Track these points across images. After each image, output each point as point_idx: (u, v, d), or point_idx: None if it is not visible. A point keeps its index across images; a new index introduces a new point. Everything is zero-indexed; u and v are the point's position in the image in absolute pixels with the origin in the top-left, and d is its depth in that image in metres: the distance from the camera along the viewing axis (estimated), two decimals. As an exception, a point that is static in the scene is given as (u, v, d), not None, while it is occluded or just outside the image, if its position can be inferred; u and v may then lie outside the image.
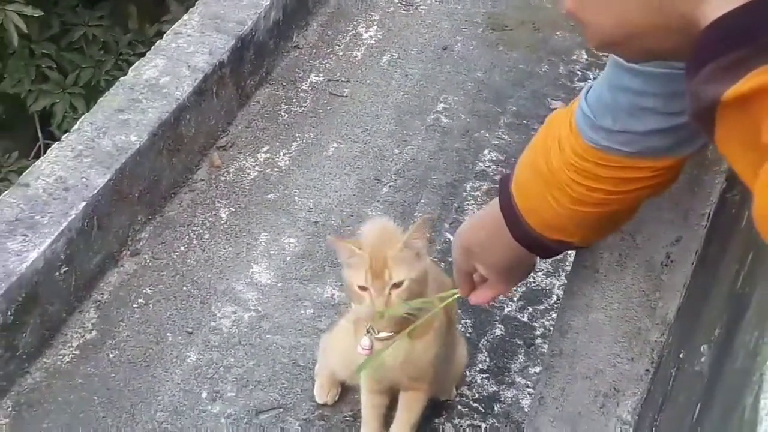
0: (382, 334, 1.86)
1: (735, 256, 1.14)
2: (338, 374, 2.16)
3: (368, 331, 1.88)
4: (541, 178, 1.21)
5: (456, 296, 1.60)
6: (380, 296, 1.77)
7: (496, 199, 1.32)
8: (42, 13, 3.45)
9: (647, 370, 1.60)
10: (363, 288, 1.79)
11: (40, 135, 3.72)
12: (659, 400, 1.43)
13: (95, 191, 2.40)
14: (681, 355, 1.34)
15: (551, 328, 2.21)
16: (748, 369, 0.76)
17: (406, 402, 2.04)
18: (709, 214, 1.55)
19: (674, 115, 1.06)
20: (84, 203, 2.36)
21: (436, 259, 2.57)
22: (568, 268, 2.02)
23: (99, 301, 2.44)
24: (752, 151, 0.79)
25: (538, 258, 1.41)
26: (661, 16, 0.84)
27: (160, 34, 2.99)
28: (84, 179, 2.42)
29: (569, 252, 1.78)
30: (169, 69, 2.80)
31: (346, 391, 2.22)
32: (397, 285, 1.78)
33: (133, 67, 2.83)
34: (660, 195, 1.22)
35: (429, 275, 1.86)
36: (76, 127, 2.58)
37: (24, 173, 2.45)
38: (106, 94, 2.72)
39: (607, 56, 1.11)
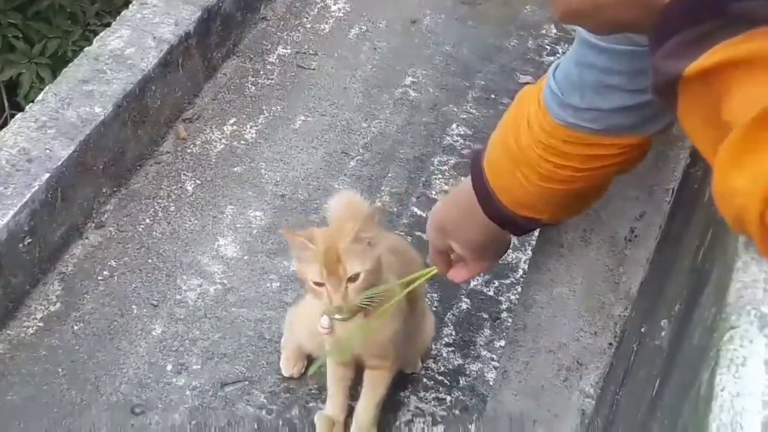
0: (338, 316, 1.86)
1: (697, 231, 1.14)
2: (304, 347, 2.16)
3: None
4: (510, 156, 1.21)
5: (433, 273, 1.60)
6: (337, 292, 1.75)
7: (469, 178, 1.32)
8: (8, -18, 3.40)
9: (610, 344, 1.61)
10: (319, 284, 1.77)
11: (6, 105, 3.67)
12: (621, 374, 1.44)
13: (59, 163, 2.38)
14: (643, 330, 1.35)
15: (517, 302, 2.21)
16: (706, 345, 0.76)
17: (370, 381, 2.05)
18: (673, 190, 1.56)
19: (640, 92, 1.07)
20: (48, 175, 2.34)
21: (402, 233, 2.57)
22: (534, 243, 2.03)
23: (63, 273, 2.43)
24: (713, 128, 0.79)
25: (512, 237, 1.42)
26: None
27: (127, 5, 2.96)
28: (48, 150, 2.39)
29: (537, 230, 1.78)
30: (135, 40, 2.77)
31: (312, 364, 2.21)
32: (352, 278, 1.75)
33: (97, 37, 2.80)
34: (628, 172, 1.22)
35: (397, 254, 1.87)
36: (39, 98, 2.55)
37: (-14, 144, 2.43)
38: (70, 64, 2.69)
39: (575, 30, 1.11)
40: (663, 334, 1.12)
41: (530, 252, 2.43)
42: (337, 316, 1.85)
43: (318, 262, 1.75)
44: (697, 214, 1.22)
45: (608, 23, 0.89)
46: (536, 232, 1.79)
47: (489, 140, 1.27)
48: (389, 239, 2.03)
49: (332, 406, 2.09)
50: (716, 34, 0.77)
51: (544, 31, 3.38)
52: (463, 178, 2.60)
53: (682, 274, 1.17)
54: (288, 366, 2.21)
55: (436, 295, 2.42)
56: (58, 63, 3.43)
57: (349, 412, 2.09)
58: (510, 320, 2.28)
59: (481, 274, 2.47)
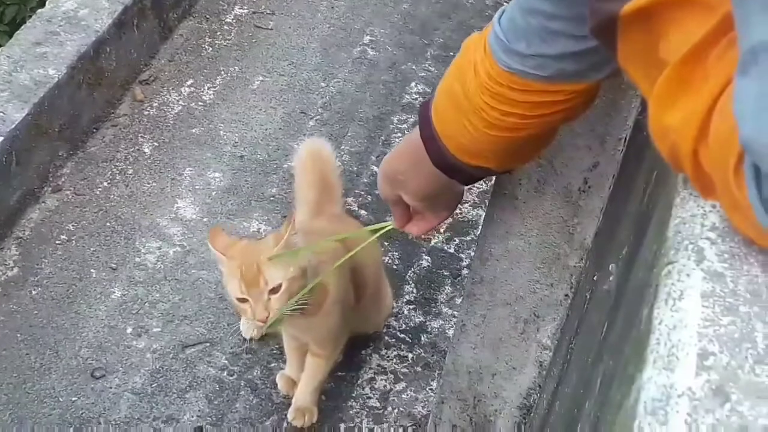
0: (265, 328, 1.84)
1: (644, 176, 1.15)
2: None
3: None
4: (457, 103, 1.20)
5: (389, 228, 1.59)
6: (259, 305, 1.67)
7: (417, 127, 1.31)
8: (-38, -53, 3.35)
9: (566, 296, 1.62)
10: (242, 300, 1.70)
11: (-39, 72, 3.63)
12: (575, 323, 1.45)
13: (13, 126, 2.34)
14: (595, 278, 1.35)
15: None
16: (646, 282, 0.77)
17: (309, 366, 2.02)
18: (625, 139, 1.56)
19: (585, 38, 1.06)
20: (1, 138, 2.31)
21: (362, 192, 2.56)
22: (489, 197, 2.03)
23: (20, 237, 2.40)
24: (652, 67, 0.79)
25: (464, 187, 1.42)
26: None
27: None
28: (1, 114, 2.36)
29: (493, 183, 1.78)
30: (88, 1, 2.73)
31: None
32: (274, 290, 1.68)
33: (50, -1, 2.76)
34: (575, 119, 1.22)
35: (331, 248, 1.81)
36: (-8, 61, 2.52)
37: (-62, 108, 2.39)
38: (22, 27, 2.65)
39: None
40: (611, 278, 1.12)
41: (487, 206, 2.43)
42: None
43: (237, 275, 1.69)
44: (646, 160, 1.22)
45: None
46: (492, 186, 1.79)
47: (437, 89, 1.27)
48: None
49: (290, 367, 2.09)
50: None
51: (502, -12, 3.37)
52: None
53: (630, 218, 1.17)
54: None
55: (396, 254, 2.42)
56: (16, 29, 3.38)
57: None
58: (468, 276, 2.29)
59: (442, 232, 2.47)
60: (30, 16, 3.32)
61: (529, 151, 1.30)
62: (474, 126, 1.19)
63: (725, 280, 0.72)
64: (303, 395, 2.04)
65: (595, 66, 1.11)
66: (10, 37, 2.76)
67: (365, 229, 1.72)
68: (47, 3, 2.74)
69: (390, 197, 1.46)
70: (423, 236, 2.38)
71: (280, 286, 1.68)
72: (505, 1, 3.27)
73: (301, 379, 2.05)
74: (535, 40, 1.09)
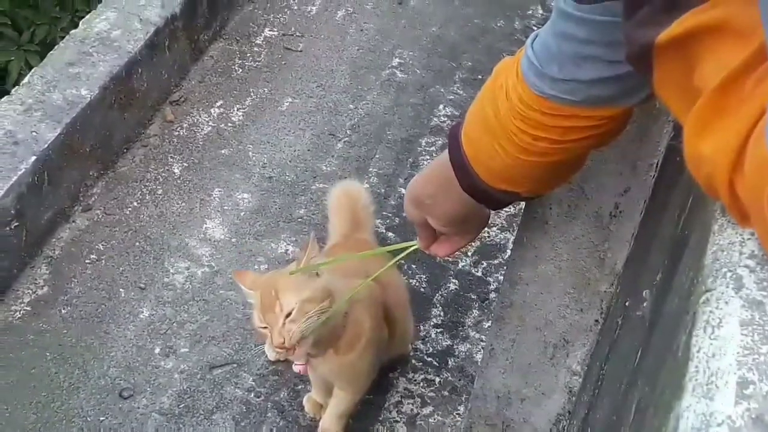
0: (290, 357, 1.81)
1: (678, 200, 1.14)
2: None
3: None
4: (488, 128, 1.20)
5: (413, 248, 1.58)
6: (275, 330, 1.66)
7: (446, 151, 1.31)
8: (-5, -31, 3.38)
9: (596, 321, 1.61)
10: (263, 327, 1.70)
11: (-5, 92, 3.66)
12: (606, 349, 1.44)
13: (45, 145, 2.36)
14: (627, 303, 1.35)
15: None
16: (683, 309, 0.76)
17: (335, 397, 2.02)
18: (657, 164, 1.55)
19: (618, 63, 1.06)
20: (34, 158, 2.33)
21: (390, 215, 2.57)
22: (520, 220, 2.02)
23: (51, 256, 2.42)
24: (687, 94, 0.79)
25: (491, 211, 1.41)
26: None
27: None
28: (34, 133, 2.38)
29: (522, 206, 1.78)
30: (121, 22, 2.76)
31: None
32: (289, 315, 1.67)
33: (83, 20, 2.78)
34: (606, 145, 1.22)
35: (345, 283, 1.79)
36: (25, 80, 2.54)
37: (-28, 128, 2.42)
38: (56, 47, 2.68)
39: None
40: (645, 304, 1.12)
41: (517, 230, 2.43)
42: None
43: (257, 306, 1.70)
44: (679, 186, 1.21)
45: None
46: (521, 210, 1.78)
47: (467, 113, 1.27)
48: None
49: (316, 390, 2.09)
50: (684, 2, 0.76)
51: (530, 12, 3.38)
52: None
53: (663, 244, 1.17)
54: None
55: (424, 276, 2.42)
56: (46, 50, 3.41)
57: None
58: (497, 300, 2.28)
59: (469, 255, 2.47)
60: (61, 37, 3.35)
61: (559, 176, 1.29)
62: (505, 150, 1.19)
63: (764, 308, 0.71)
64: (330, 421, 2.04)
65: (628, 92, 1.11)
66: (41, 57, 2.78)
67: (389, 248, 1.72)
68: (80, 24, 2.76)
69: (417, 220, 1.46)
70: (449, 257, 2.37)
71: (292, 310, 1.66)
72: (535, 26, 3.28)
73: (329, 406, 2.04)
74: (567, 65, 1.09)
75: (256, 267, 2.42)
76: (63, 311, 2.30)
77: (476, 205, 1.33)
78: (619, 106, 1.13)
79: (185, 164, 2.71)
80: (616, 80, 1.08)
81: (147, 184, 2.64)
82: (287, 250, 2.47)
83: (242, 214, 2.57)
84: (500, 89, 1.18)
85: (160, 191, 2.62)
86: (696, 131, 0.76)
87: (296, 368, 1.89)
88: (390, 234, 2.51)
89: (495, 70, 1.23)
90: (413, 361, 2.25)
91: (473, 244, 2.44)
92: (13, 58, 3.47)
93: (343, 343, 1.82)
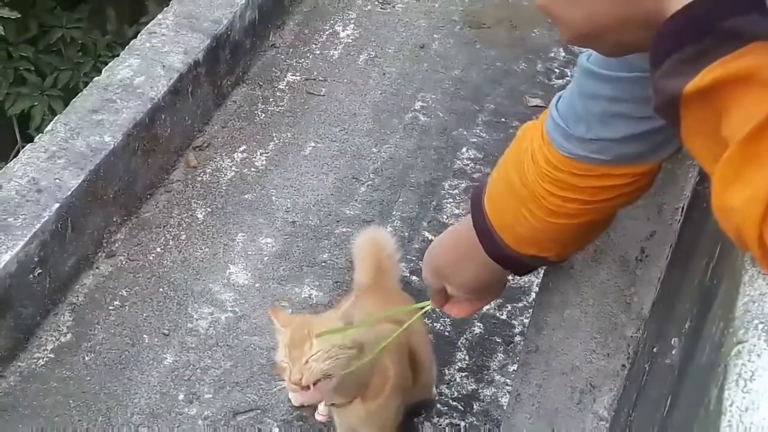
0: (336, 402, 1.83)
1: (705, 248, 1.13)
2: None
3: None
4: (515, 193, 1.19)
5: (426, 309, 1.57)
6: (296, 365, 1.67)
7: (468, 217, 1.30)
8: (19, 15, 3.41)
9: (623, 366, 1.59)
10: (284, 364, 1.70)
11: (18, 138, 3.69)
12: (633, 395, 1.42)
13: (69, 192, 2.38)
14: (654, 350, 1.33)
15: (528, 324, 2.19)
16: (714, 361, 0.75)
17: None
18: (682, 209, 1.54)
19: (648, 119, 1.05)
20: (57, 205, 2.34)
21: (414, 258, 2.56)
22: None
23: (74, 303, 2.42)
24: (715, 145, 0.78)
25: (509, 276, 1.40)
26: (628, 10, 0.83)
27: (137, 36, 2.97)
28: (57, 180, 2.40)
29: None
30: (144, 69, 2.78)
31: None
32: (318, 356, 1.67)
33: (107, 67, 2.80)
34: (635, 202, 1.21)
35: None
36: (49, 128, 2.56)
37: (-5, 175, 2.43)
38: (79, 94, 2.70)
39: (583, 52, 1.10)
40: (674, 352, 1.10)
41: (542, 275, 2.41)
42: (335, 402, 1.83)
43: (284, 343, 1.71)
44: (707, 232, 1.20)
45: (616, 45, 0.88)
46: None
47: (489, 179, 1.26)
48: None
49: None
50: (712, 51, 0.76)
51: (552, 54, 3.38)
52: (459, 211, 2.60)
53: (692, 291, 1.15)
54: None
55: (448, 320, 2.41)
56: (69, 95, 3.44)
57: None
58: (522, 344, 2.26)
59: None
60: (84, 82, 3.39)
61: (587, 237, 1.28)
62: (533, 214, 1.18)
63: (797, 361, 0.70)
64: None
65: (657, 147, 1.10)
66: (65, 102, 2.82)
67: (405, 309, 1.72)
68: (104, 71, 2.78)
69: (435, 287, 1.44)
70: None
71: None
72: (557, 68, 3.28)
73: None
74: (595, 124, 1.08)
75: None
76: (86, 358, 2.30)
77: (499, 271, 1.31)
78: (649, 162, 1.12)
79: (208, 209, 2.71)
80: (645, 136, 1.08)
81: (170, 229, 2.64)
82: (311, 294, 2.47)
83: (265, 258, 2.57)
84: (525, 153, 1.17)
85: (183, 237, 2.63)
86: (724, 182, 0.75)
87: (318, 417, 1.89)
88: (414, 278, 2.50)
89: (518, 133, 1.22)
90: (438, 405, 2.23)
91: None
92: (36, 103, 3.52)
93: (369, 390, 1.82)
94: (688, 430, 0.79)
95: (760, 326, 0.72)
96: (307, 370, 1.66)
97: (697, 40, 0.76)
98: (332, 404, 1.84)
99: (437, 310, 1.51)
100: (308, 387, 1.67)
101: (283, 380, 1.71)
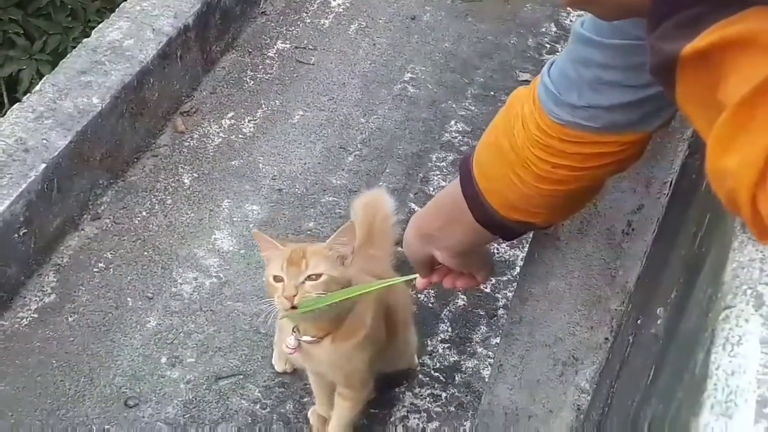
0: (306, 338, 1.83)
1: (694, 218, 1.13)
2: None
3: (294, 331, 1.84)
4: (504, 158, 1.20)
5: (413, 278, 1.57)
6: (291, 282, 1.68)
7: (454, 183, 1.31)
8: (8, -22, 3.39)
9: (606, 339, 1.60)
10: (278, 279, 1.71)
11: (6, 101, 3.66)
12: (616, 367, 1.43)
13: (56, 153, 2.36)
14: (639, 322, 1.34)
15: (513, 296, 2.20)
16: (701, 327, 0.75)
17: (337, 409, 2.02)
18: (671, 182, 1.55)
19: (639, 88, 1.05)
20: (44, 165, 2.33)
21: (400, 230, 2.56)
22: (531, 236, 2.01)
23: (58, 264, 2.42)
24: (711, 108, 0.78)
25: (496, 240, 1.40)
26: None
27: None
28: (44, 141, 2.38)
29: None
30: (133, 32, 2.76)
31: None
32: (313, 278, 1.69)
33: (96, 29, 2.79)
34: (624, 171, 1.21)
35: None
36: (37, 88, 2.54)
37: (-18, 134, 2.42)
38: (68, 55, 2.68)
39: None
40: (659, 322, 1.11)
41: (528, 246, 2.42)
42: (305, 338, 1.83)
43: (283, 257, 1.71)
44: (695, 204, 1.21)
45: (613, 8, 0.88)
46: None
47: (477, 145, 1.26)
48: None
49: (320, 404, 2.08)
50: (710, 15, 0.76)
51: (543, 29, 3.37)
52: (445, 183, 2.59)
53: (678, 262, 1.16)
54: (280, 362, 2.20)
55: (432, 292, 2.41)
56: (58, 59, 3.42)
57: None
58: (506, 316, 2.27)
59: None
60: (73, 46, 3.36)
61: (575, 204, 1.28)
62: (522, 180, 1.18)
63: (784, 326, 0.70)
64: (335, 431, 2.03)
65: (647, 116, 1.10)
66: (53, 66, 2.79)
67: (391, 281, 1.74)
68: (93, 33, 2.77)
69: (419, 255, 1.44)
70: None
71: (319, 275, 1.69)
72: (548, 43, 3.28)
73: (332, 418, 2.04)
74: (586, 91, 1.09)
75: (264, 279, 2.41)
76: (70, 319, 2.30)
77: (487, 236, 1.32)
78: (639, 131, 1.12)
79: (195, 175, 2.70)
80: (636, 105, 1.08)
81: (156, 194, 2.64)
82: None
83: (251, 225, 2.57)
84: (515, 118, 1.17)
85: (169, 201, 2.62)
86: (719, 145, 0.75)
87: (286, 350, 1.88)
88: (399, 248, 2.49)
89: (508, 100, 1.22)
90: (420, 375, 2.24)
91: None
92: (24, 67, 3.48)
93: (342, 330, 1.82)
94: (673, 396, 0.79)
95: (749, 291, 0.72)
96: (302, 289, 1.68)
97: (696, 2, 0.76)
98: (302, 339, 1.83)
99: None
100: (295, 307, 1.68)
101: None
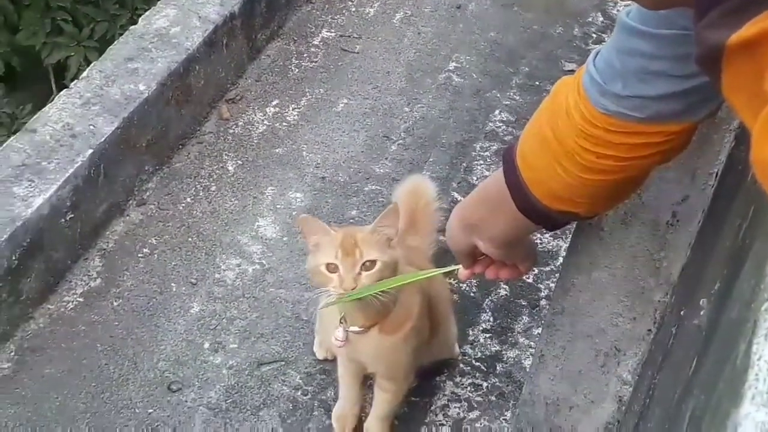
0: (354, 328, 1.84)
1: (739, 210, 1.12)
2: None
3: (341, 322, 1.85)
4: (548, 148, 1.19)
5: (456, 269, 1.58)
6: (350, 274, 1.69)
7: (497, 172, 1.30)
8: (57, -34, 3.42)
9: (649, 330, 1.59)
10: (331, 268, 1.71)
11: (54, 88, 3.70)
12: (659, 358, 1.42)
13: (102, 139, 2.39)
14: (682, 313, 1.33)
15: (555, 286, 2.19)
16: (744, 318, 0.75)
17: (377, 401, 2.04)
18: (717, 173, 1.53)
19: (685, 78, 1.05)
20: (91, 151, 2.35)
21: (442, 218, 2.55)
22: (573, 227, 2.00)
23: (104, 249, 2.44)
24: (755, 98, 0.77)
25: (540, 230, 1.40)
26: None
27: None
28: (91, 127, 2.41)
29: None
30: (180, 19, 2.78)
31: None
32: (367, 266, 1.70)
33: (143, 16, 2.81)
34: (669, 161, 1.20)
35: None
36: (84, 74, 2.57)
37: (32, 119, 2.44)
38: (115, 42, 2.71)
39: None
40: (702, 313, 1.10)
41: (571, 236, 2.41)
42: (353, 328, 1.84)
43: (335, 245, 1.71)
44: (740, 195, 1.20)
45: None
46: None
47: (521, 134, 1.26)
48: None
49: (347, 401, 2.08)
50: (757, 4, 0.75)
51: (590, 19, 3.35)
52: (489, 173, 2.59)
53: (723, 254, 1.15)
54: (321, 350, 2.21)
55: (474, 281, 2.41)
56: (105, 46, 3.45)
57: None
58: (548, 306, 2.26)
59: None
60: (120, 34, 3.39)
61: (619, 195, 1.28)
62: (566, 170, 1.18)
63: (827, 318, 0.70)
64: (374, 423, 2.04)
65: (693, 107, 1.09)
66: (100, 53, 2.83)
67: (434, 271, 1.76)
68: (140, 20, 2.79)
69: (462, 246, 1.44)
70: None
71: (374, 262, 1.70)
72: (594, 33, 3.26)
73: (372, 407, 2.05)
74: (632, 81, 1.08)
75: (306, 266, 2.42)
76: (115, 304, 2.32)
77: (530, 226, 1.32)
78: (685, 121, 1.11)
79: (239, 162, 2.72)
80: (682, 95, 1.07)
81: (201, 180, 2.66)
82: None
83: (294, 213, 2.58)
84: (560, 108, 1.17)
85: (213, 188, 2.64)
86: (764, 136, 0.74)
87: (336, 342, 1.88)
88: (441, 237, 2.50)
89: (553, 89, 1.22)
90: (461, 365, 2.24)
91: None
92: (72, 54, 3.52)
93: (389, 321, 1.82)
94: (714, 387, 0.79)
95: (793, 282, 0.71)
96: (360, 283, 1.69)
97: None
98: (350, 330, 1.84)
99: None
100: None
101: (324, 289, 1.73)
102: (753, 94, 0.78)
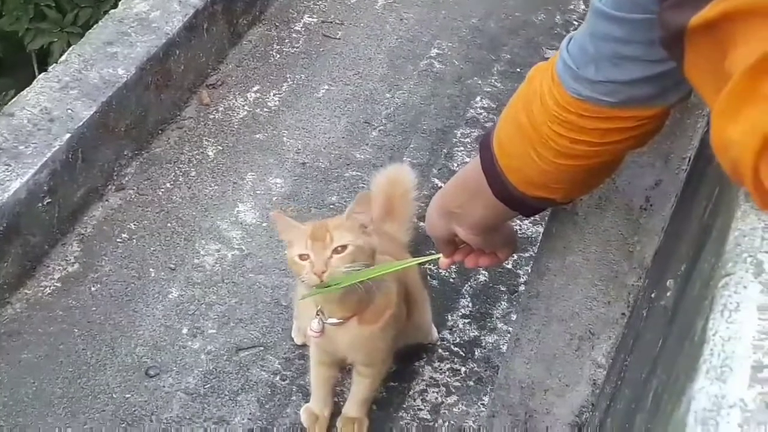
0: (332, 320, 1.84)
1: (706, 192, 1.13)
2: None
3: (318, 314, 1.84)
4: (523, 134, 1.19)
5: (437, 257, 1.58)
6: (320, 257, 1.69)
7: (476, 160, 1.31)
8: (40, -50, 3.40)
9: (623, 314, 1.60)
10: (304, 257, 1.71)
11: (37, 74, 3.68)
12: (631, 341, 1.43)
13: (80, 123, 2.38)
14: (653, 295, 1.34)
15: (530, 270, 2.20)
16: (702, 295, 0.75)
17: (355, 385, 2.03)
18: (689, 158, 1.54)
19: (657, 62, 1.05)
20: (69, 135, 2.34)
21: (423, 204, 2.56)
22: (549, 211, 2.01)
23: (82, 234, 2.43)
24: (718, 78, 0.78)
25: (516, 216, 1.40)
26: None
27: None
28: (69, 111, 2.40)
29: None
30: (160, 3, 2.77)
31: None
32: (338, 250, 1.70)
33: (123, 0, 2.80)
34: (643, 146, 1.20)
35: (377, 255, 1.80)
36: (63, 58, 2.56)
37: (9, 103, 2.43)
38: (94, 26, 2.69)
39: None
40: (669, 294, 1.11)
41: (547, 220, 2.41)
42: (331, 320, 1.83)
43: (305, 236, 1.72)
44: (708, 177, 1.20)
45: None
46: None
47: (498, 120, 1.26)
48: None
49: (315, 401, 2.07)
50: None
51: (572, 6, 3.36)
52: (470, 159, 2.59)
53: (690, 236, 1.15)
54: (299, 335, 2.21)
55: (454, 267, 2.40)
56: (89, 32, 3.46)
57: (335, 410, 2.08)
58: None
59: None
60: (104, 19, 3.38)
61: (594, 179, 1.28)
62: (541, 156, 1.18)
63: (784, 294, 0.70)
64: (352, 407, 2.04)
65: (666, 91, 1.09)
66: (83, 38, 2.82)
67: (414, 261, 1.76)
68: (119, 4, 2.78)
69: (442, 233, 1.45)
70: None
71: (345, 247, 1.70)
72: (576, 21, 3.26)
73: (350, 393, 2.05)
74: (605, 66, 1.08)
75: (286, 252, 2.42)
76: (93, 288, 2.32)
77: (507, 212, 1.32)
78: (658, 105, 1.11)
79: (219, 147, 2.72)
80: (654, 80, 1.07)
81: (180, 165, 2.65)
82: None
83: (274, 198, 2.57)
84: (534, 94, 1.17)
85: (193, 173, 2.63)
86: (724, 115, 0.74)
87: (311, 333, 1.88)
88: (421, 223, 2.50)
89: (528, 75, 1.22)
90: (439, 350, 2.24)
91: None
92: (56, 39, 3.50)
93: (369, 312, 1.82)
94: (674, 363, 0.79)
95: (749, 259, 0.72)
96: (330, 264, 1.69)
97: None
98: (327, 322, 1.84)
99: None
100: (322, 279, 1.69)
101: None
102: (715, 74, 0.78)
